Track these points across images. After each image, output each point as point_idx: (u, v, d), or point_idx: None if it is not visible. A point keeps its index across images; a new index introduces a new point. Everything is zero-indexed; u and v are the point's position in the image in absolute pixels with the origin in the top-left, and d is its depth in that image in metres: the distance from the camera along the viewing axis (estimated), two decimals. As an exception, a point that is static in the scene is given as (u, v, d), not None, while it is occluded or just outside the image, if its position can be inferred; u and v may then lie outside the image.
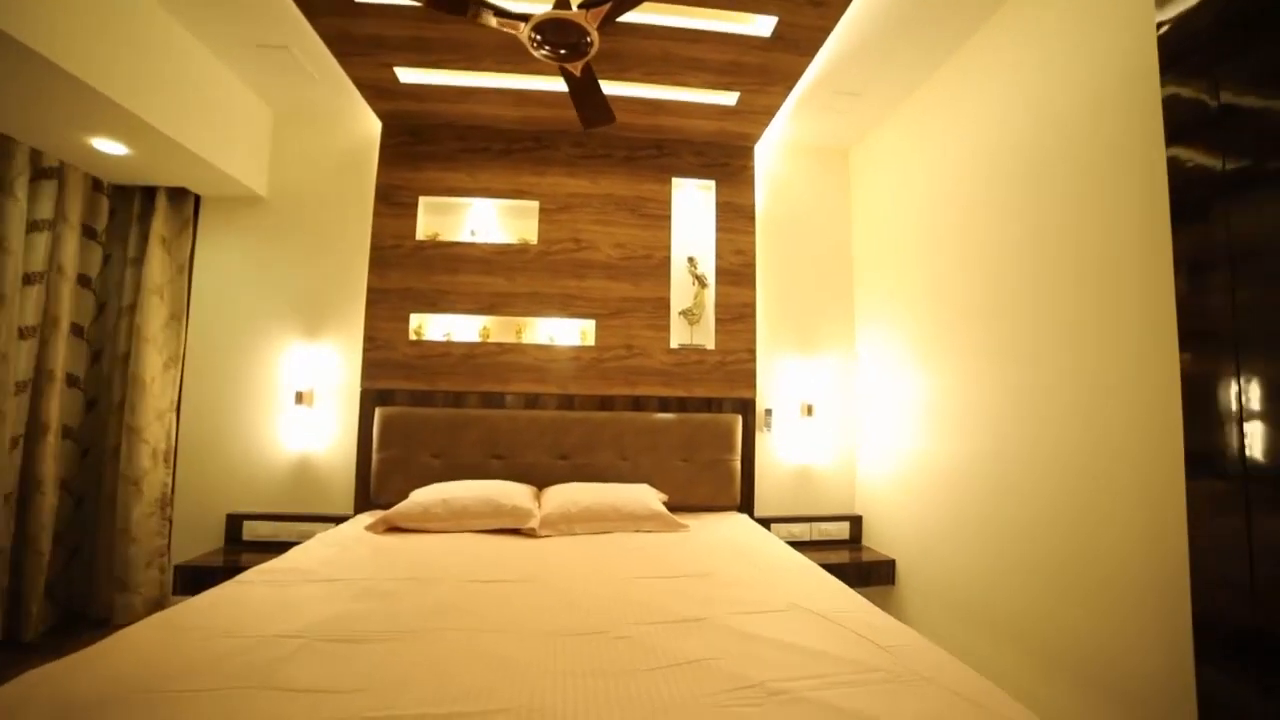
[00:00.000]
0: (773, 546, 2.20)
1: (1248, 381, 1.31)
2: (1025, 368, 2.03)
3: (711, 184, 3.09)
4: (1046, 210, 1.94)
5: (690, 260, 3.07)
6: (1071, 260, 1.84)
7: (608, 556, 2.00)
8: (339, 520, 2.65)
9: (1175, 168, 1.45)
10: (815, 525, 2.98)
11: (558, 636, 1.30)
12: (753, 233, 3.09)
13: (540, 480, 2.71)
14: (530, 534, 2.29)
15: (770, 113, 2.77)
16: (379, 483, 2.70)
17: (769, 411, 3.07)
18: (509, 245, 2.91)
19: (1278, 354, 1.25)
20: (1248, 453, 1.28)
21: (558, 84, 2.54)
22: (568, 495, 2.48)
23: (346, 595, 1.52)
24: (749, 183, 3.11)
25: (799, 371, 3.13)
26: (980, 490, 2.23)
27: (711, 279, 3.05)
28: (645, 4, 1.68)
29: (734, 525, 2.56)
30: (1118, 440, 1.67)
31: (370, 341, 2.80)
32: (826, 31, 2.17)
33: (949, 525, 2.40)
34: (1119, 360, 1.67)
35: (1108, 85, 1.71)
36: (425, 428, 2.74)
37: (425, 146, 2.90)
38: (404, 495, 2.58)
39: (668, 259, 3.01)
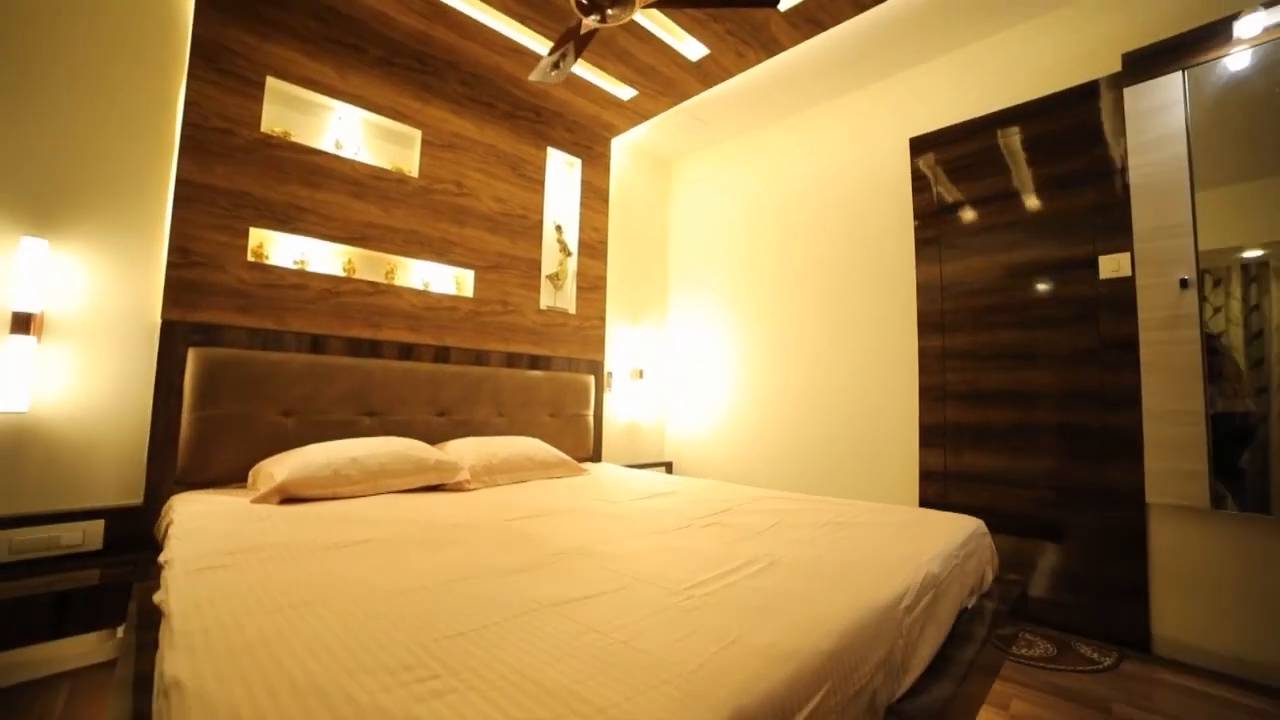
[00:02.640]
0: (678, 476, 2.71)
1: (948, 350, 2.55)
2: (814, 347, 3.13)
3: (578, 163, 3.33)
4: (835, 240, 3.08)
5: (558, 228, 3.25)
6: (860, 276, 2.99)
7: (565, 495, 2.13)
8: (109, 515, 1.85)
9: (918, 235, 2.67)
10: (642, 470, 3.59)
11: (670, 533, 1.54)
12: (606, 214, 3.48)
13: (419, 438, 2.47)
14: (457, 488, 2.17)
15: (646, 117, 3.24)
16: (196, 452, 1.97)
17: (610, 374, 3.52)
18: (386, 171, 2.50)
19: (958, 334, 2.51)
20: (947, 386, 2.51)
21: (483, 13, 2.42)
22: (481, 448, 2.40)
23: (415, 549, 1.32)
24: (606, 169, 3.49)
25: (630, 339, 3.68)
26: (774, 431, 3.27)
27: (574, 249, 3.30)
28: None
29: (614, 469, 2.93)
30: (881, 385, 2.86)
31: (182, 255, 1.99)
32: (730, 75, 2.81)
33: (748, 458, 3.38)
34: (883, 338, 2.86)
35: (888, 171, 2.90)
36: (275, 378, 2.14)
37: (274, 11, 2.21)
38: (240, 468, 2.03)
39: (540, 223, 3.11)
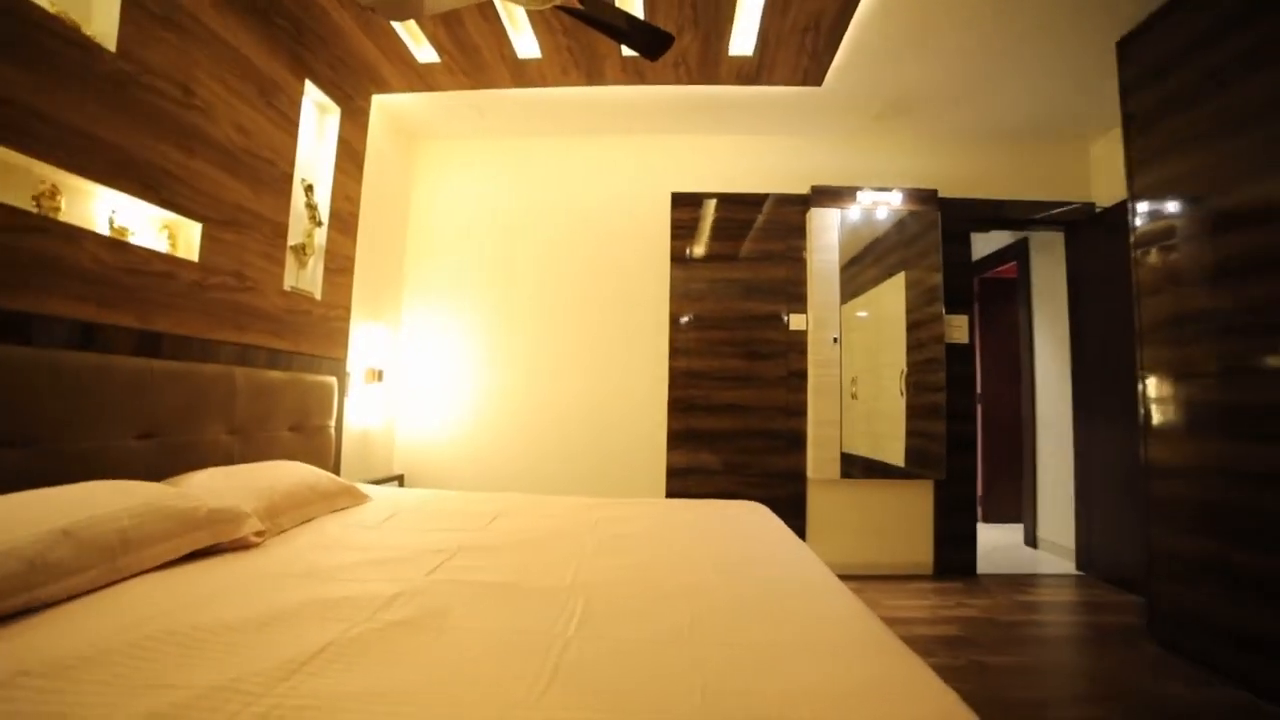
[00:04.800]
0: (453, 491, 2.50)
1: (691, 371, 3.25)
2: (572, 359, 3.40)
3: (336, 112, 2.63)
4: (600, 264, 3.43)
5: (308, 188, 2.49)
6: (621, 300, 3.40)
7: (396, 532, 1.78)
8: None
9: (672, 273, 3.29)
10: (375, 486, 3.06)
11: (611, 554, 1.58)
12: (360, 182, 2.86)
13: (111, 477, 1.55)
14: (241, 546, 1.51)
15: (430, 89, 2.86)
16: None
17: (348, 375, 2.89)
18: (49, 15, 1.46)
19: (699, 359, 3.24)
20: (690, 400, 3.21)
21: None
22: (246, 482, 1.70)
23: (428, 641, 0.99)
24: (364, 128, 2.86)
25: (368, 335, 3.10)
26: (528, 438, 3.38)
27: (325, 218, 2.59)
28: None
29: (382, 490, 2.46)
30: (635, 397, 3.34)
31: None
32: (545, 85, 2.81)
33: (497, 464, 3.36)
34: (638, 357, 3.35)
35: (652, 213, 3.41)
36: None
37: None
38: None
39: (290, 176, 2.34)
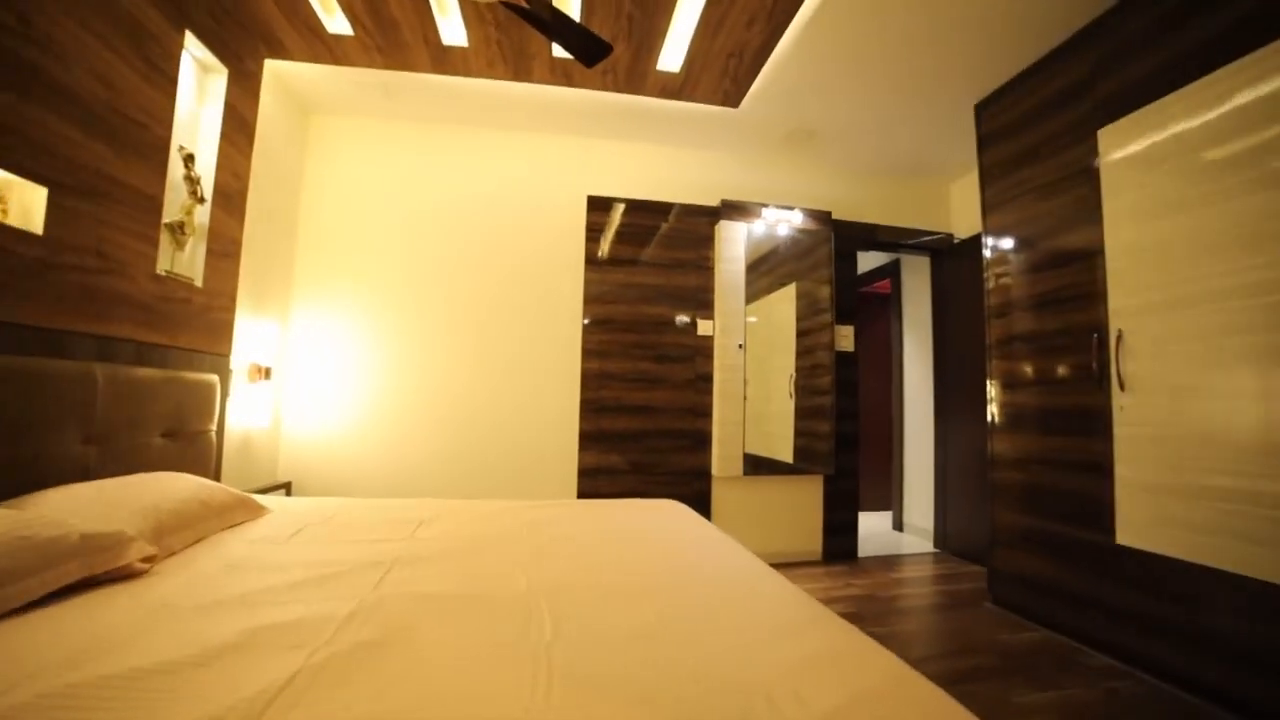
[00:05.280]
0: (347, 499, 2.34)
1: (604, 372, 3.32)
2: (483, 359, 3.31)
3: (223, 75, 2.31)
4: (514, 263, 3.36)
5: (188, 158, 2.16)
6: (535, 301, 3.36)
7: (327, 547, 1.65)
8: None
9: (587, 276, 3.34)
10: (262, 495, 2.74)
11: (577, 555, 1.58)
12: (250, 157, 2.54)
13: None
14: (125, 574, 1.30)
15: (337, 62, 2.62)
16: None
17: (231, 372, 2.55)
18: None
19: (611, 360, 3.32)
20: (602, 401, 3.28)
21: None
22: (125, 498, 1.47)
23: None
24: (255, 95, 2.54)
25: (253, 328, 2.76)
26: (436, 441, 3.23)
27: (209, 195, 2.27)
28: None
29: (274, 500, 2.22)
30: (548, 398, 3.31)
31: None
32: (469, 75, 2.70)
33: (398, 468, 3.17)
34: (552, 358, 3.33)
35: (567, 215, 3.40)
36: None
37: None
38: None
39: (167, 143, 2.02)
